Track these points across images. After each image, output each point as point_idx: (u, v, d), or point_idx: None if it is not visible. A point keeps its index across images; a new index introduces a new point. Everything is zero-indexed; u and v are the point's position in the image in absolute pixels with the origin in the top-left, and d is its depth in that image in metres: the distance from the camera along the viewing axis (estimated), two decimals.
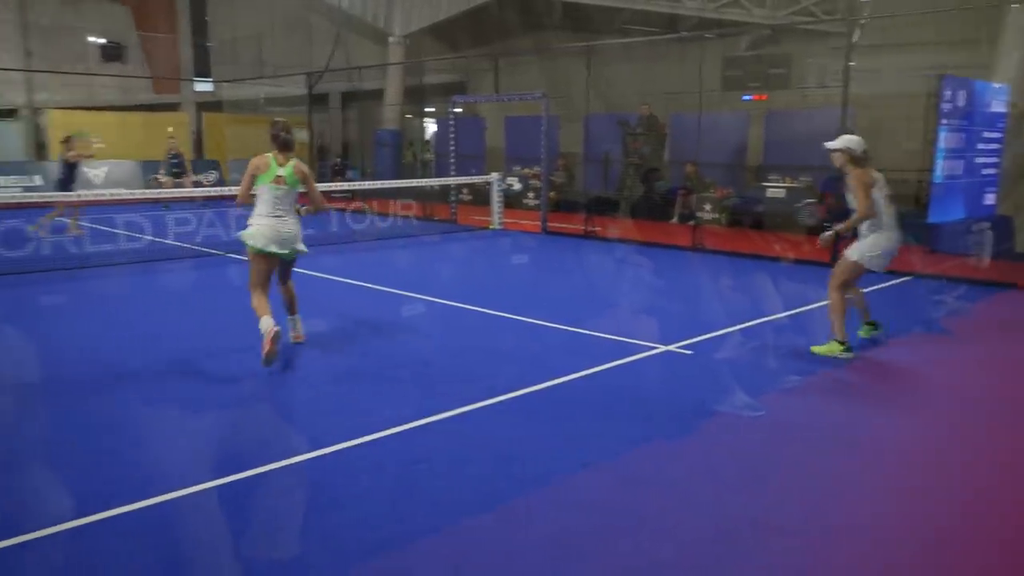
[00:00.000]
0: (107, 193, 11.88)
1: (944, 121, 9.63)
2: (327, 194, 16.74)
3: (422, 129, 22.99)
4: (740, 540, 3.36)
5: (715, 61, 16.66)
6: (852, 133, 6.54)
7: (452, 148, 15.24)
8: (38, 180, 18.98)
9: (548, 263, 11.18)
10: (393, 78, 21.88)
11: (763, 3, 16.50)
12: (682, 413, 4.87)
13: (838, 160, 6.16)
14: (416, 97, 22.89)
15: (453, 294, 8.29)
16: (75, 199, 12.09)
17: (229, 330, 6.73)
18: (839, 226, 6.30)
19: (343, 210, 15.51)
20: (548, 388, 5.30)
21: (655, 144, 16.26)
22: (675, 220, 14.88)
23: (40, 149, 20.84)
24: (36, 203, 12.39)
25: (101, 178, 19.10)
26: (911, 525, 3.55)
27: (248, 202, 6.02)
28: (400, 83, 22.01)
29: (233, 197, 7.28)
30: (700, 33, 15.55)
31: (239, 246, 6.45)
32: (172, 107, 24.65)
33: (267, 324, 5.57)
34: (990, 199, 11.03)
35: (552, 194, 15.65)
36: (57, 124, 20.26)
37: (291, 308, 6.31)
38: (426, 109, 23.43)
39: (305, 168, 6.03)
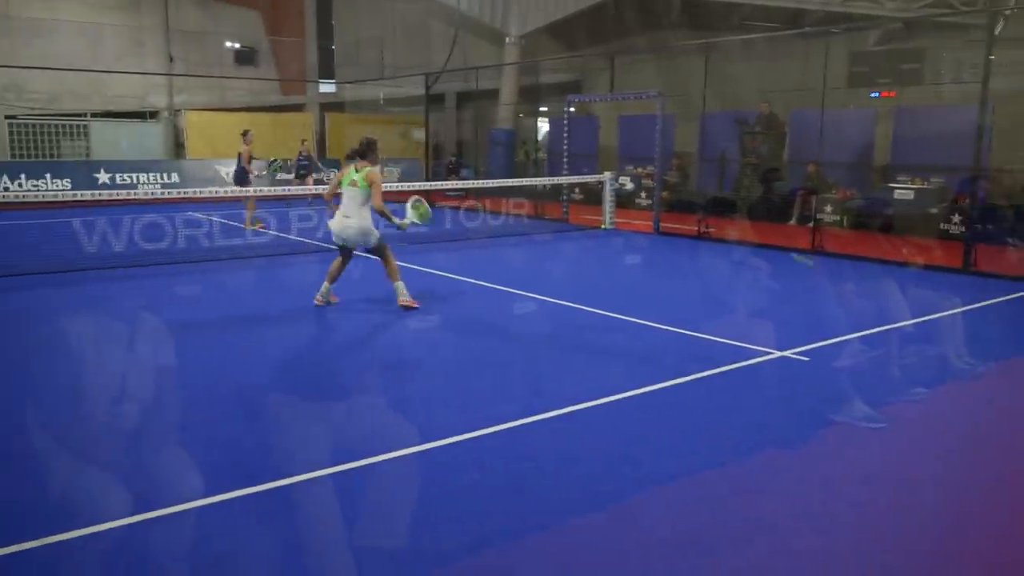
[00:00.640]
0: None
1: None
2: (441, 192, 17.26)
3: (535, 128, 23.14)
4: (847, 552, 3.25)
5: (841, 57, 15.99)
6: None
7: (565, 147, 15.28)
8: (175, 177, 20.30)
9: (660, 264, 11.06)
10: (508, 78, 22.11)
11: None
12: (797, 422, 4.74)
13: None
14: (531, 96, 23.05)
15: (564, 293, 8.32)
16: (252, 194, 12.52)
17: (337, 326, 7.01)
18: None
19: (457, 208, 15.81)
20: (659, 390, 5.26)
21: (774, 143, 15.78)
22: (793, 222, 14.40)
23: (179, 149, 22.24)
24: (173, 199, 13.15)
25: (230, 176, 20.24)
26: None
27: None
28: (515, 83, 22.22)
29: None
30: (826, 28, 14.95)
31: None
32: (298, 107, 25.76)
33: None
34: None
35: (665, 194, 15.45)
36: (193, 125, 21.61)
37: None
38: (540, 108, 23.57)
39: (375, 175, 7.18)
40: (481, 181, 17.58)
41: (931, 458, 4.29)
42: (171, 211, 13.40)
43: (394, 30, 25.76)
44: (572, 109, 16.16)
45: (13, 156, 19.71)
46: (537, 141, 22.55)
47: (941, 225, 12.43)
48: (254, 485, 3.75)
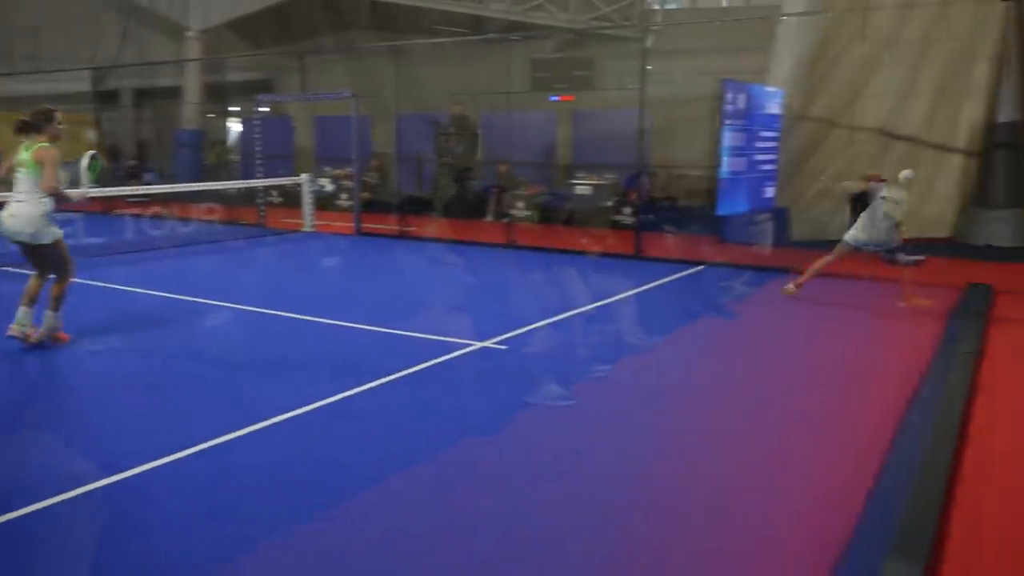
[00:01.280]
0: None
1: (727, 121, 10.44)
2: (121, 198, 15.62)
3: (225, 129, 21.87)
4: (561, 527, 3.45)
5: (524, 62, 17.11)
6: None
7: (259, 148, 14.61)
8: None
9: (361, 264, 11.00)
10: (192, 75, 20.65)
11: (567, 7, 17.14)
12: (498, 407, 4.94)
13: None
14: (218, 95, 21.74)
15: (260, 300, 7.94)
16: None
17: None
18: None
19: (139, 216, 14.47)
20: (363, 392, 5.19)
21: (468, 143, 16.44)
22: (489, 218, 15.11)
23: None
24: None
25: None
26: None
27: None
28: (199, 80, 20.81)
29: None
30: (506, 36, 15.89)
31: None
32: None
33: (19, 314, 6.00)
34: (770, 192, 12.10)
35: (365, 195, 15.41)
36: None
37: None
38: (229, 108, 22.33)
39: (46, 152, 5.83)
40: (167, 186, 16.22)
41: (616, 427, 4.70)
42: None
43: (53, 18, 22.81)
44: (267, 109, 15.51)
45: None
46: (224, 143, 21.36)
47: (614, 216, 13.80)
48: None
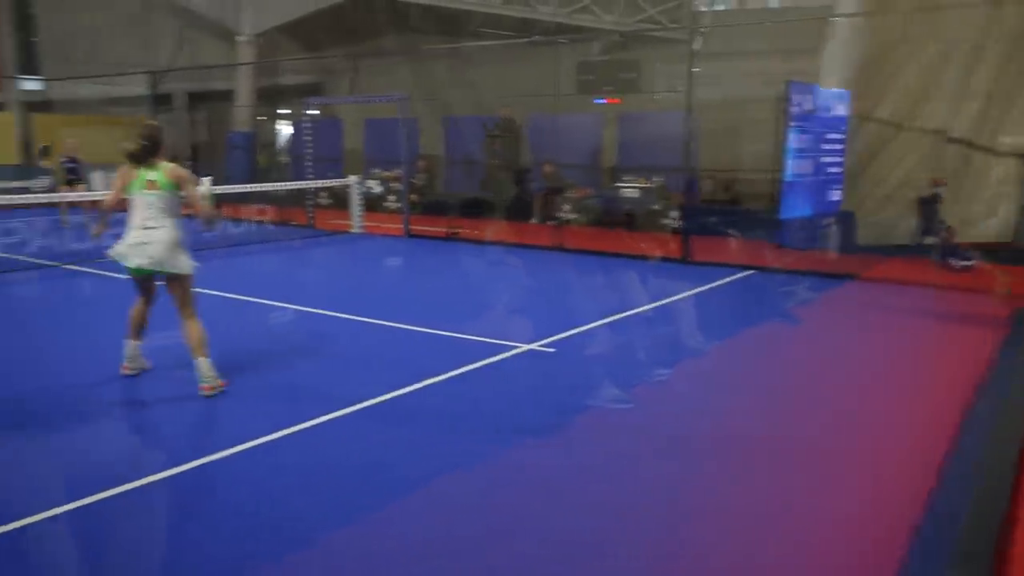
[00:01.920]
0: None
1: (793, 123, 10.32)
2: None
3: (276, 131, 22.20)
4: (610, 530, 3.44)
5: (570, 65, 17.08)
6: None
7: (309, 151, 14.83)
8: None
9: (409, 266, 11.08)
10: (244, 78, 21.04)
11: (612, 10, 17.08)
12: (549, 410, 4.94)
13: None
14: (270, 98, 22.10)
15: (316, 301, 8.05)
16: None
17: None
18: None
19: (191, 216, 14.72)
20: (412, 392, 5.23)
21: (511, 146, 16.47)
22: (535, 220, 15.11)
23: None
24: None
25: None
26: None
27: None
28: (251, 83, 21.20)
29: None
30: (553, 38, 15.88)
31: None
32: None
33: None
34: (835, 196, 11.87)
35: (413, 196, 15.53)
36: None
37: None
38: (280, 111, 22.67)
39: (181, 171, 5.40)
40: (219, 187, 16.52)
41: (674, 433, 4.66)
42: None
43: (112, 23, 23.42)
44: (315, 111, 15.72)
45: None
46: (274, 145, 21.69)
47: (662, 220, 13.68)
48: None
